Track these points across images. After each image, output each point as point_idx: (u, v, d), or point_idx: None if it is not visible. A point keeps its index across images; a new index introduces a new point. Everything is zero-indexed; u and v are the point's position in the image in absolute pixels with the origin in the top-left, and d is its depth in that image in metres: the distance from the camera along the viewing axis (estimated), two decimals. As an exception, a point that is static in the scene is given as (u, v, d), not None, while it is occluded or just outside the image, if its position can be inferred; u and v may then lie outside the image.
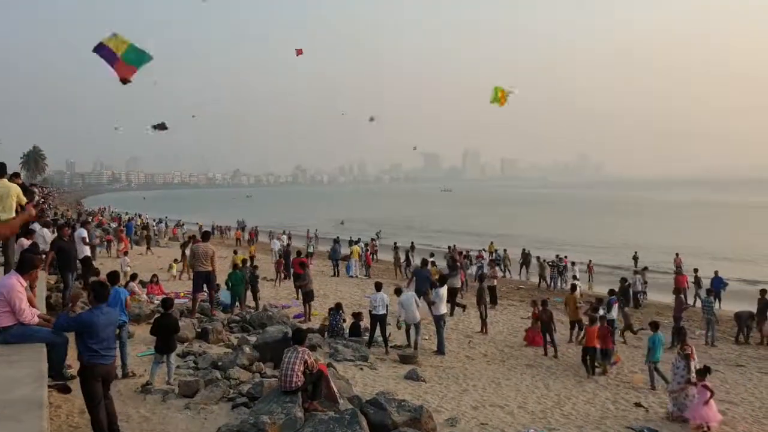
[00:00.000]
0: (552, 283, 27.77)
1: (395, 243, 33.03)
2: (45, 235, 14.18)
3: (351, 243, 33.47)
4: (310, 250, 35.69)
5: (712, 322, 17.32)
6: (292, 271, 22.72)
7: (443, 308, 15.09)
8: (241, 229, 51.24)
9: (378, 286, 15.39)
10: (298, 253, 24.21)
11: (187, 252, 26.75)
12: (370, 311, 14.92)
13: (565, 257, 29.60)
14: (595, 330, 13.78)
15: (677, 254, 30.99)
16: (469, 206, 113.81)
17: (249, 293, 18.29)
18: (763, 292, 17.78)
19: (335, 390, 8.42)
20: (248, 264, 20.02)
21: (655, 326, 13.47)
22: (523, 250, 33.27)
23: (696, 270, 25.47)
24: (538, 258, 30.22)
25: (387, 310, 14.82)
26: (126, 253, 26.07)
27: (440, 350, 14.77)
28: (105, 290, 6.79)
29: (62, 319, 6.76)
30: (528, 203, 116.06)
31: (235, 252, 28.00)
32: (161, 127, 21.67)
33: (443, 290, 15.30)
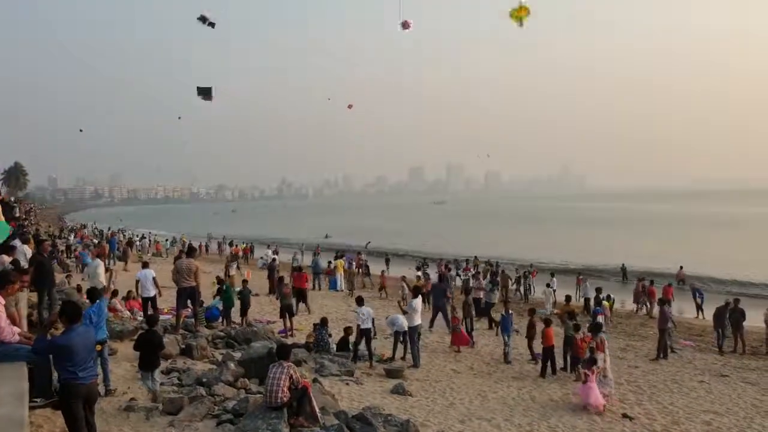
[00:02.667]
0: (523, 295, 27.89)
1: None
2: (26, 252, 13.99)
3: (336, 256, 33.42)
4: (294, 264, 35.46)
5: (671, 330, 17.56)
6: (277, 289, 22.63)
7: (417, 319, 14.99)
8: (228, 244, 50.90)
9: (359, 301, 15.41)
10: (299, 268, 24.27)
11: (232, 271, 26.89)
12: (358, 325, 14.89)
13: (532, 267, 29.80)
14: (552, 330, 14.75)
15: (681, 267, 31.00)
16: (467, 220, 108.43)
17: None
18: (736, 301, 18.16)
19: (317, 410, 8.35)
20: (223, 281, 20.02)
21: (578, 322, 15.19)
22: (488, 261, 33.38)
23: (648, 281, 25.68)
24: (503, 270, 30.28)
25: (373, 324, 14.80)
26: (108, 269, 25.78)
27: (414, 363, 14.73)
28: (76, 311, 6.58)
29: (39, 343, 6.63)
30: (524, 217, 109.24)
31: (238, 267, 27.91)
32: (206, 94, 20.58)
33: (417, 302, 15.24)
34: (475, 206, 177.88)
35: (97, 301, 9.64)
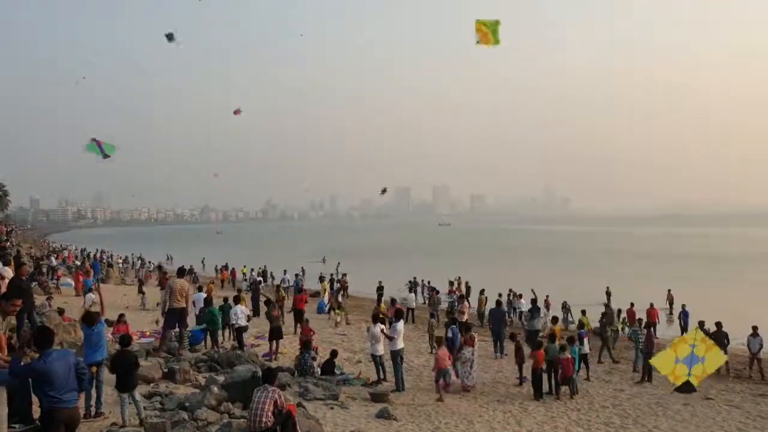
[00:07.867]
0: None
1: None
2: (4, 274, 13.77)
3: (321, 279, 33.35)
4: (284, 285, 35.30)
5: (638, 350, 17.69)
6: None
7: (400, 343, 14.87)
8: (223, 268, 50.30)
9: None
10: (300, 289, 24.26)
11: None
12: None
13: (512, 289, 29.66)
14: (541, 353, 14.68)
15: (669, 290, 30.90)
16: (482, 245, 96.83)
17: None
18: (718, 324, 18.26)
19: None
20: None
21: (571, 341, 15.91)
22: (466, 283, 33.01)
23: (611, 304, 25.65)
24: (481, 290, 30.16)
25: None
26: (92, 290, 25.54)
27: (398, 386, 14.65)
28: (48, 336, 6.47)
29: (14, 365, 6.50)
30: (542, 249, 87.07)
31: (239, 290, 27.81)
32: (170, 37, 21.43)
33: (400, 325, 15.16)
34: (475, 229, 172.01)
35: (96, 324, 9.73)
